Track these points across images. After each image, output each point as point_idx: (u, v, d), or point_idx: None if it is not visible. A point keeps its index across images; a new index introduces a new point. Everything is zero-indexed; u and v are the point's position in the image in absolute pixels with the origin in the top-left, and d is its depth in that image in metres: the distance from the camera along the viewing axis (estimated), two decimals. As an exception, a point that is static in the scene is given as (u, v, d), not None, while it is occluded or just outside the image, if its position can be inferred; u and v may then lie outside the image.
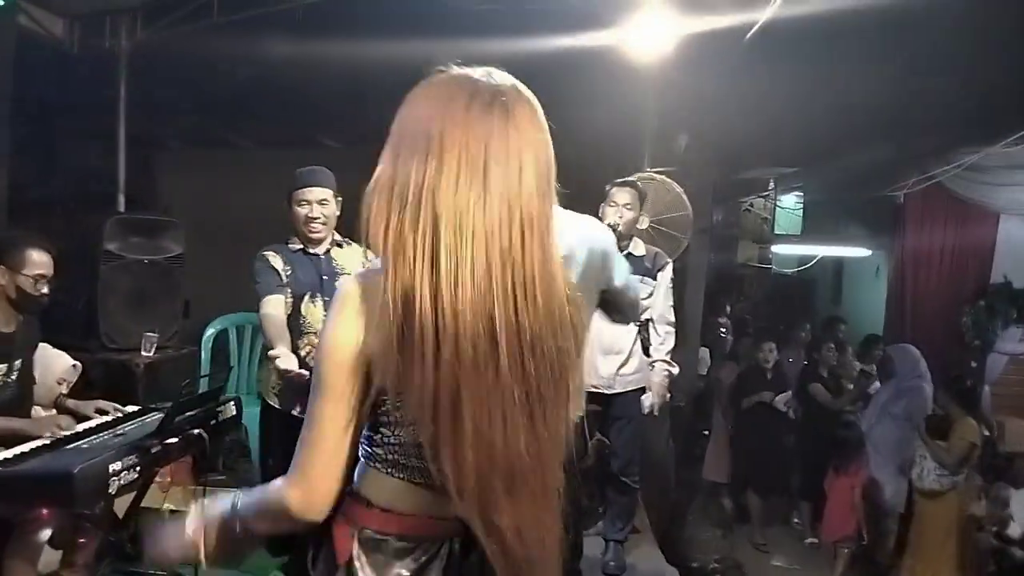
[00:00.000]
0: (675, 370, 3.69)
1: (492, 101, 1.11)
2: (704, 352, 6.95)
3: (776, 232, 8.88)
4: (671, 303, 3.69)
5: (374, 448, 1.20)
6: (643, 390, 3.61)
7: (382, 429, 1.19)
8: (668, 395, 3.65)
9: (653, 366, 3.62)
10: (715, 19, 4.30)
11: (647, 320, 3.62)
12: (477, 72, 1.16)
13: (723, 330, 7.31)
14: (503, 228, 1.07)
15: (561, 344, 1.12)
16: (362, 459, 1.22)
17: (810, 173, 8.49)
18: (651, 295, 3.61)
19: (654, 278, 3.64)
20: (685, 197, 4.63)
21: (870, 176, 7.12)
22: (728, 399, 6.23)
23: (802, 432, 6.09)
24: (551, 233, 1.13)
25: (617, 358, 3.54)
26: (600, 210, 3.50)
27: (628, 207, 3.50)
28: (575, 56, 4.70)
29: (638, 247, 3.69)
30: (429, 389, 1.06)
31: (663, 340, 3.64)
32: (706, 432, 6.44)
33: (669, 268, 3.71)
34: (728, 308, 8.43)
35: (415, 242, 1.06)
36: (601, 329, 3.36)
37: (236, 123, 6.41)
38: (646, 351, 3.63)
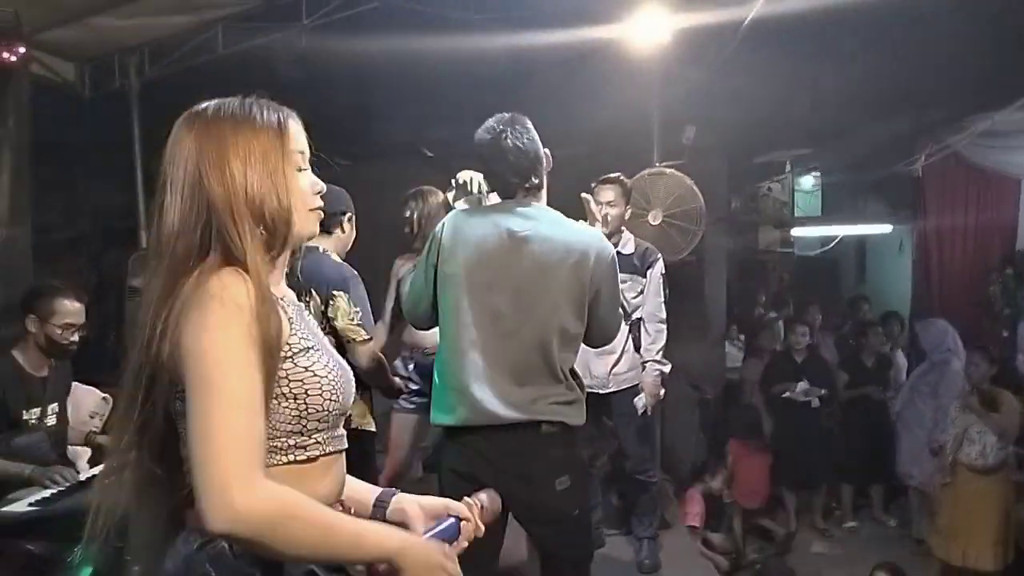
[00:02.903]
0: (667, 368, 3.66)
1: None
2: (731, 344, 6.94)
3: (796, 215, 8.80)
4: (662, 300, 3.66)
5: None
6: (636, 388, 3.60)
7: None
8: (661, 393, 3.62)
9: (645, 366, 3.59)
10: (714, 9, 4.32)
11: (638, 319, 3.62)
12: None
13: (769, 315, 7.30)
14: None
15: None
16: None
17: (825, 153, 8.42)
18: (641, 293, 3.60)
19: (644, 276, 3.62)
20: (696, 189, 4.62)
21: (885, 151, 7.06)
22: (759, 389, 6.19)
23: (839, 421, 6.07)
24: None
25: (610, 358, 3.56)
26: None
27: (612, 204, 3.50)
28: (578, 54, 4.74)
29: (627, 244, 3.67)
30: None
31: (654, 339, 3.61)
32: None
33: (659, 264, 3.68)
34: (763, 297, 8.42)
35: None
36: None
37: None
38: (638, 349, 3.62)
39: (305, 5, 4.56)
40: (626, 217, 3.68)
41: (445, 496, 1.46)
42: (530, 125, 2.28)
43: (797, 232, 8.84)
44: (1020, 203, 6.61)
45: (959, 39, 4.94)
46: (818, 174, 8.75)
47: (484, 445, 2.19)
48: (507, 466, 2.18)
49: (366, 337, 2.65)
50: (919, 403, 5.58)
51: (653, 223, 4.63)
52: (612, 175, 3.56)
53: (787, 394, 5.80)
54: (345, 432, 1.35)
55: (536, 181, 2.28)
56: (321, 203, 1.33)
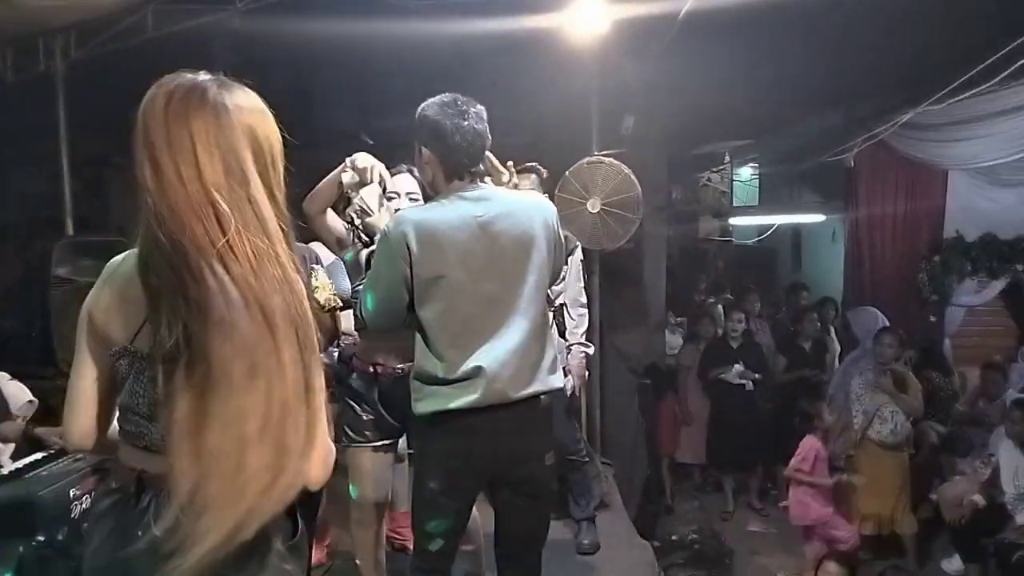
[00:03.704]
0: (590, 350, 3.82)
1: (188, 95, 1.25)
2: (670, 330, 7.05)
3: (735, 204, 8.99)
4: (582, 285, 3.80)
5: None
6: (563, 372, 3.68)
7: None
8: (587, 374, 3.76)
9: (570, 349, 3.70)
10: (649, 2, 4.36)
11: (561, 305, 3.69)
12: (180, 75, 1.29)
13: (708, 301, 7.43)
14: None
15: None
16: None
17: (763, 144, 8.62)
18: (563, 279, 3.64)
19: (564, 263, 3.67)
20: (634, 178, 4.68)
21: (819, 142, 7.24)
22: (696, 374, 6.31)
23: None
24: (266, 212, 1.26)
25: None
26: None
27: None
28: (518, 43, 4.74)
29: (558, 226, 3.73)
30: None
31: (577, 323, 3.74)
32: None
33: (579, 251, 3.80)
34: (702, 284, 8.57)
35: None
36: None
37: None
38: (562, 335, 3.68)
39: (238, -12, 4.46)
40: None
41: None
42: (483, 111, 2.23)
43: (735, 221, 9.03)
44: (947, 193, 6.83)
45: (889, 35, 5.09)
46: (756, 165, 8.96)
47: (485, 424, 2.18)
48: (507, 442, 2.21)
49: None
50: (847, 386, 5.77)
51: (592, 211, 4.68)
52: (528, 164, 3.58)
53: (722, 376, 5.95)
54: None
55: (481, 167, 2.27)
56: None
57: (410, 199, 2.67)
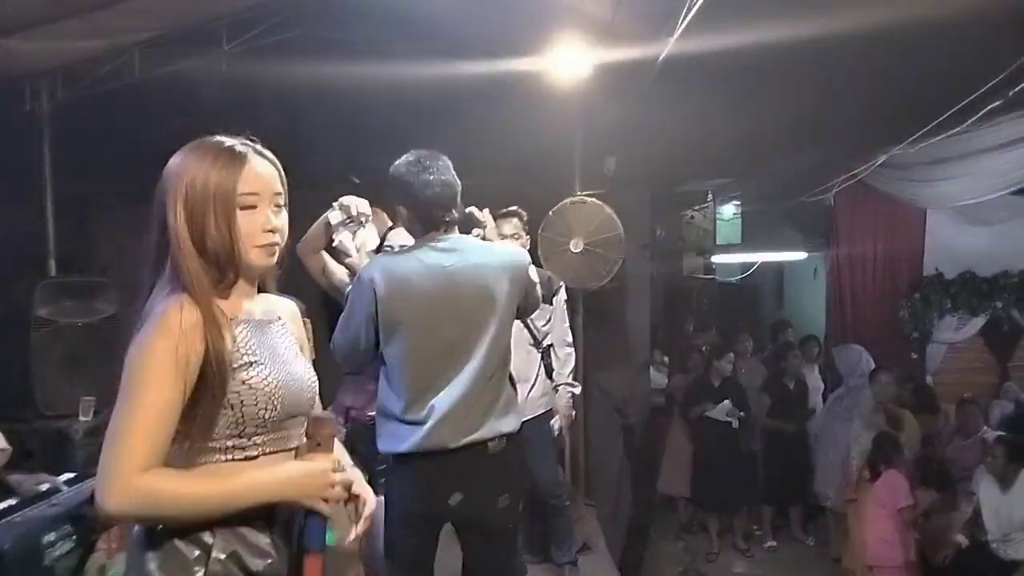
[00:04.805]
0: (577, 390, 3.90)
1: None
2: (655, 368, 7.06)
3: (717, 242, 9.05)
4: (567, 325, 3.87)
5: None
6: (550, 413, 3.73)
7: None
8: (573, 414, 3.82)
9: (557, 389, 3.76)
10: (631, 45, 4.43)
11: (548, 345, 3.75)
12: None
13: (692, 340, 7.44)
14: None
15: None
16: None
17: (745, 183, 8.70)
18: (549, 320, 3.73)
19: (550, 303, 3.76)
20: (616, 218, 4.74)
21: (800, 181, 7.33)
22: (680, 412, 6.31)
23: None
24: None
25: (526, 385, 3.62)
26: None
27: (515, 237, 3.63)
28: (501, 84, 4.80)
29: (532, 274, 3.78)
30: None
31: (564, 362, 3.80)
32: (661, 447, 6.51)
33: (563, 292, 3.89)
34: (686, 322, 8.60)
35: None
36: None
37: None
38: (549, 375, 3.74)
39: (226, 31, 4.51)
40: (526, 248, 3.78)
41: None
42: (448, 161, 2.38)
43: (718, 259, 9.09)
44: (926, 231, 6.92)
45: (868, 76, 5.19)
46: (738, 203, 9.05)
47: (433, 468, 2.29)
48: (457, 486, 2.30)
49: None
50: (835, 426, 5.77)
51: (574, 251, 4.72)
52: (511, 208, 3.69)
53: (708, 413, 5.94)
54: (299, 431, 1.50)
55: (455, 214, 2.40)
56: (272, 239, 1.44)
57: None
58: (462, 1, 4.25)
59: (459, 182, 2.38)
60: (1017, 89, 4.15)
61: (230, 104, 4.84)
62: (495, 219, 3.58)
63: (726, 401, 5.92)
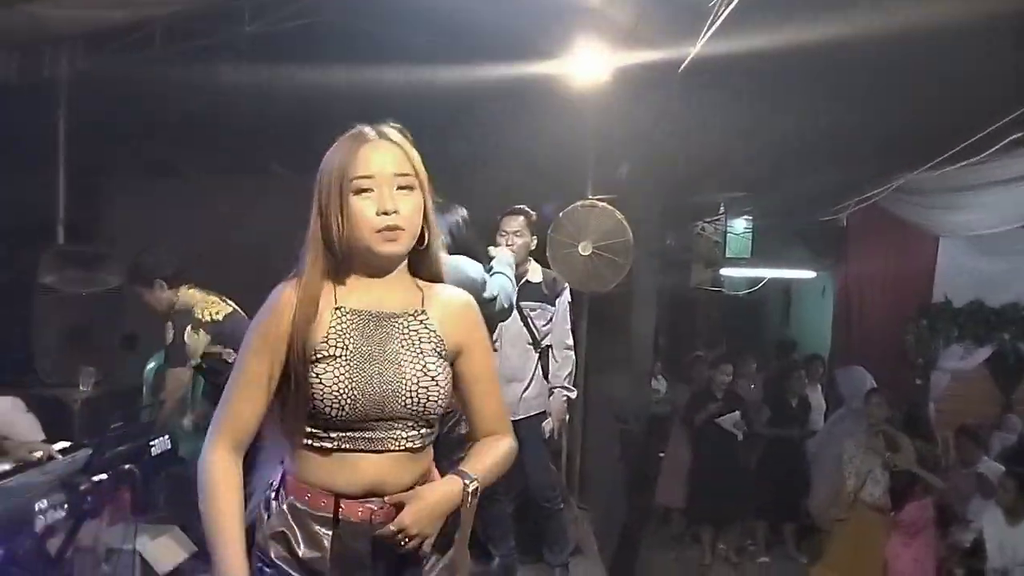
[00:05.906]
0: (573, 394, 3.84)
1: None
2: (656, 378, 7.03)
3: (727, 255, 9.00)
4: (568, 327, 3.83)
5: None
6: (544, 414, 3.70)
7: None
8: (567, 418, 3.78)
9: (552, 391, 3.72)
10: (654, 49, 4.41)
11: (547, 346, 3.71)
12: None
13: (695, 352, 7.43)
14: None
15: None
16: None
17: (758, 198, 8.66)
18: (550, 321, 3.70)
19: (552, 304, 3.74)
20: (626, 223, 4.72)
21: (814, 199, 7.29)
22: (681, 420, 6.29)
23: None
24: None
25: (520, 385, 3.61)
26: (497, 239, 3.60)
27: (518, 234, 3.61)
28: (520, 84, 4.78)
29: (535, 274, 3.78)
30: None
31: (561, 365, 3.75)
32: (660, 455, 6.49)
33: (566, 293, 3.83)
34: (691, 333, 8.57)
35: None
36: (508, 356, 3.46)
37: (185, 150, 6.36)
38: (546, 376, 3.71)
39: (248, 11, 4.50)
40: (532, 247, 3.78)
41: None
42: None
43: (726, 272, 9.04)
44: (937, 257, 6.88)
45: (888, 99, 5.16)
46: (750, 217, 8.99)
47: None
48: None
49: None
50: (834, 446, 5.74)
51: (583, 254, 4.71)
52: (518, 207, 3.67)
53: (718, 420, 5.93)
54: (399, 435, 1.43)
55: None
56: (387, 222, 1.40)
57: None
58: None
59: None
60: (1037, 121, 4.12)
61: (246, 84, 4.83)
62: (501, 216, 3.60)
63: (736, 412, 5.91)
